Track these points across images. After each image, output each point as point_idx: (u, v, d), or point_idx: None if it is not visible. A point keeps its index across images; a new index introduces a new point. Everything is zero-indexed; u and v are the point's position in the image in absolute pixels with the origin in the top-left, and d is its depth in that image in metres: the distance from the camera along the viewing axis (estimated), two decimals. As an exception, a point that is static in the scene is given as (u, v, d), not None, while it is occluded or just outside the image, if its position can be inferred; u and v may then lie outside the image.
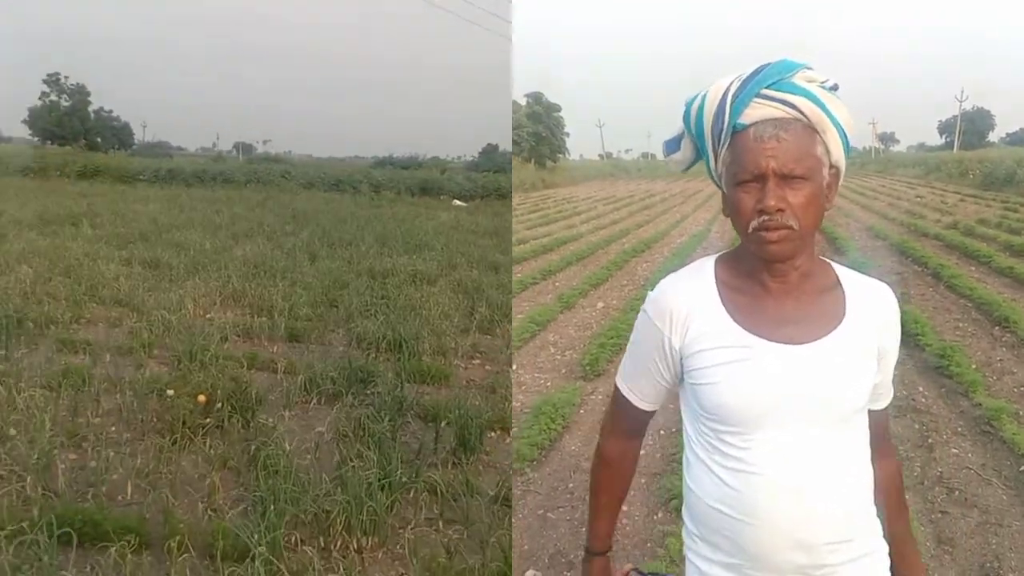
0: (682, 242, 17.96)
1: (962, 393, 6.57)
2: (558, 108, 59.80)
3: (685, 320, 1.72)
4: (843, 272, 1.77)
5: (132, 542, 3.69)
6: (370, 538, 3.85)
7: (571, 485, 5.20)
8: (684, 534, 1.85)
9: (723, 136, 1.64)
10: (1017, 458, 5.25)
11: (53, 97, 58.36)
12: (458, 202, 27.11)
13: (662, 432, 6.02)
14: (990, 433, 5.72)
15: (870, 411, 1.77)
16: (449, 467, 4.74)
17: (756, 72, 1.62)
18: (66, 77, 59.12)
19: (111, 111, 61.30)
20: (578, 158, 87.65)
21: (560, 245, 17.68)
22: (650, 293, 1.85)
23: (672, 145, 1.84)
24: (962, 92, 73.63)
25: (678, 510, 4.56)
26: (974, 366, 7.14)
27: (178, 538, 3.66)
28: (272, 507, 3.79)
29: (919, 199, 27.60)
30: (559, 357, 8.39)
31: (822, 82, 1.64)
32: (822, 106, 1.60)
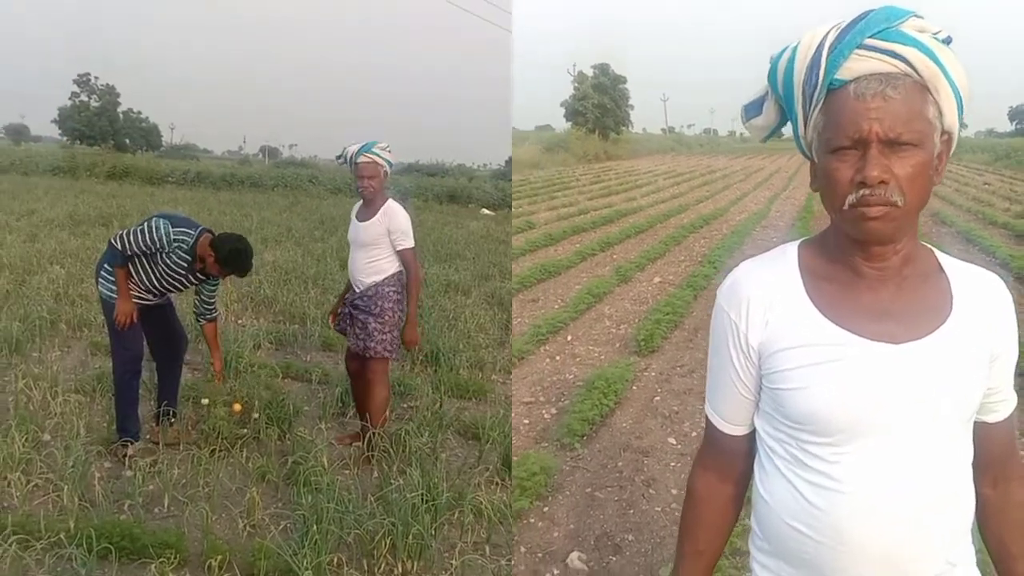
0: (741, 220, 17.87)
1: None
2: (624, 80, 60.26)
3: (764, 312, 1.50)
4: (946, 259, 1.53)
5: (171, 558, 3.59)
6: (415, 562, 3.72)
7: (620, 464, 5.10)
8: (752, 543, 1.64)
9: (816, 94, 1.41)
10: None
11: (83, 98, 59.03)
12: (486, 211, 26.98)
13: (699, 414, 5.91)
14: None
15: (988, 424, 1.55)
16: (494, 487, 4.60)
17: (858, 19, 1.38)
18: (96, 78, 59.87)
19: (140, 112, 61.88)
20: (641, 131, 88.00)
21: (620, 217, 17.71)
22: (723, 282, 1.62)
23: (753, 109, 1.61)
24: (1034, 78, 72.67)
25: None
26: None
27: (219, 557, 3.55)
28: (315, 527, 3.66)
29: (987, 186, 26.78)
30: (614, 331, 8.33)
31: (935, 33, 1.39)
32: (936, 60, 1.36)
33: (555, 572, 3.95)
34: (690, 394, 6.37)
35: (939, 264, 1.51)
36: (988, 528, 1.60)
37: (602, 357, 7.36)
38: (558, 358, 7.35)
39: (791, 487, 1.49)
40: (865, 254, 1.44)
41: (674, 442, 5.45)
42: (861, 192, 1.35)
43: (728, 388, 1.61)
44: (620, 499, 4.64)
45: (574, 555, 4.03)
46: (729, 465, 1.69)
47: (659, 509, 4.54)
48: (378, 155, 4.84)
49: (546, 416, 5.89)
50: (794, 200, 23.52)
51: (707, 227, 16.61)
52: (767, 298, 1.50)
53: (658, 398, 6.32)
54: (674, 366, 7.14)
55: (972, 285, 1.50)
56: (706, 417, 1.71)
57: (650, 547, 4.17)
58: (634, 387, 6.52)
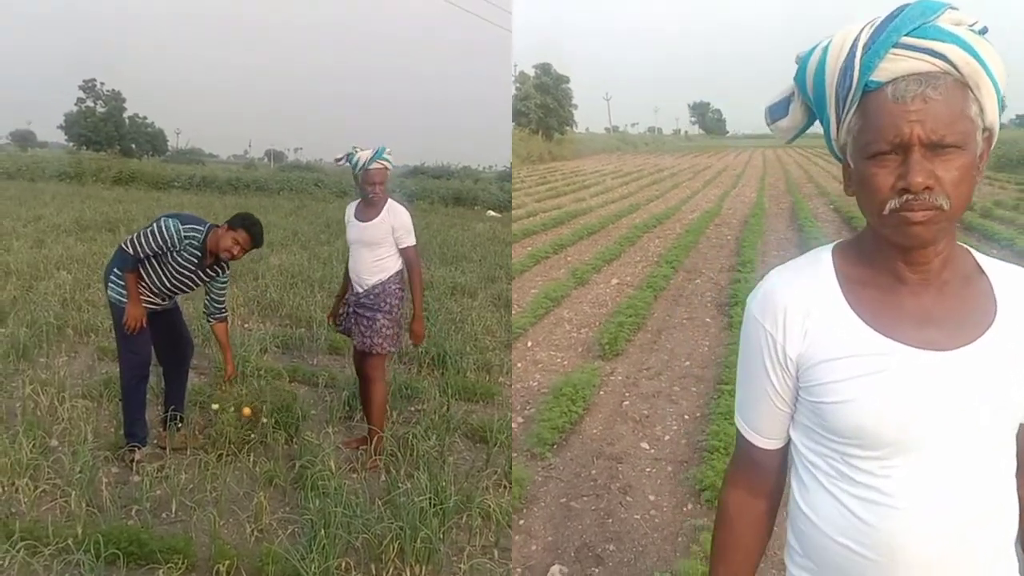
0: (694, 218, 17.94)
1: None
2: (566, 80, 60.21)
3: (803, 322, 1.43)
4: (984, 259, 1.48)
5: (179, 563, 3.58)
6: (424, 567, 3.70)
7: (594, 472, 5.06)
8: (789, 559, 1.58)
9: (851, 97, 1.34)
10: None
11: (89, 103, 59.16)
12: (492, 213, 26.93)
13: (686, 417, 5.91)
14: None
15: None
16: (502, 491, 4.58)
17: (893, 16, 1.32)
18: (102, 83, 59.97)
19: (145, 117, 61.98)
20: (584, 131, 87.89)
21: (570, 219, 17.68)
22: (753, 292, 1.55)
23: (779, 110, 1.54)
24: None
25: (711, 502, 4.41)
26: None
27: (227, 562, 3.54)
28: (323, 531, 3.64)
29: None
30: (575, 335, 8.28)
31: (971, 24, 1.33)
32: (976, 56, 1.29)
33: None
34: (659, 397, 6.35)
35: (978, 265, 1.46)
36: None
37: (565, 362, 7.30)
38: (520, 364, 7.28)
39: (837, 503, 1.44)
40: (906, 258, 1.39)
41: (647, 447, 5.40)
42: (905, 198, 1.29)
43: (763, 401, 1.54)
44: (597, 508, 4.60)
45: (555, 568, 3.99)
46: (762, 481, 1.63)
47: (638, 517, 4.49)
48: (388, 161, 4.91)
49: (513, 425, 5.81)
50: (745, 197, 23.60)
51: (660, 226, 16.61)
52: (804, 307, 1.44)
53: (627, 402, 6.27)
54: (640, 369, 7.10)
55: (1014, 286, 1.44)
56: (737, 432, 1.64)
57: (632, 556, 4.13)
58: (601, 392, 6.47)
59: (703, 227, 16.12)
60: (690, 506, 4.57)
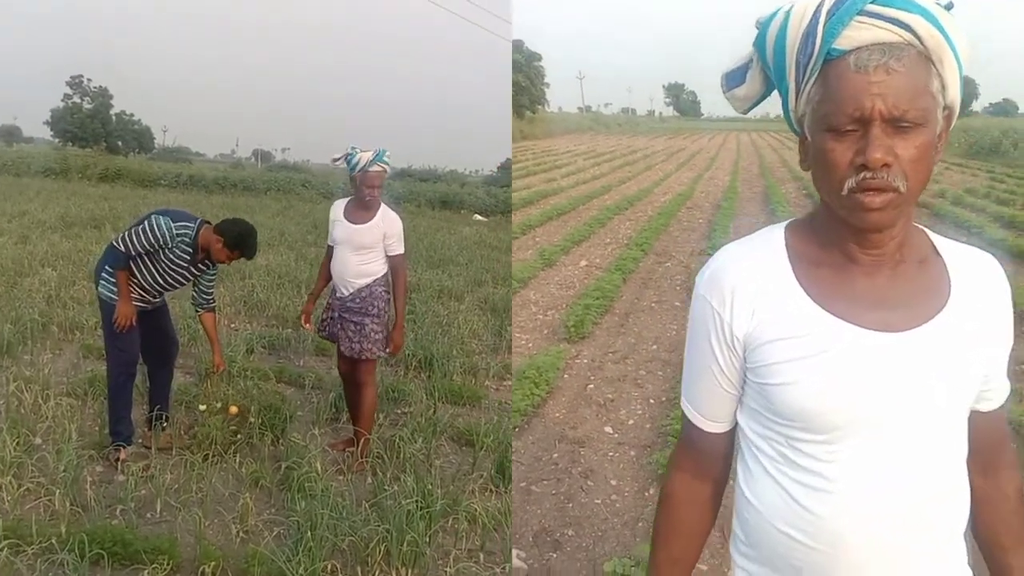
0: (666, 200, 17.93)
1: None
2: (539, 57, 59.89)
3: (751, 301, 1.39)
4: (940, 240, 1.45)
5: (164, 564, 3.57)
6: (410, 570, 3.70)
7: (555, 456, 5.06)
8: (734, 548, 1.56)
9: (811, 64, 1.29)
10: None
11: (76, 99, 58.75)
12: (479, 216, 26.92)
13: (651, 401, 5.91)
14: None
15: (981, 413, 1.47)
16: (488, 494, 4.58)
17: None
18: (89, 80, 59.56)
19: (132, 114, 61.60)
20: (557, 111, 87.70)
21: (540, 199, 17.56)
22: (703, 268, 1.50)
23: (735, 77, 1.47)
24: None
25: None
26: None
27: (213, 563, 3.53)
28: (310, 533, 3.63)
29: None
30: (541, 317, 8.23)
31: None
32: (941, 28, 1.26)
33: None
34: (624, 381, 6.31)
35: (934, 246, 1.44)
36: (979, 519, 1.52)
37: (530, 345, 7.25)
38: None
39: (780, 489, 1.41)
40: (860, 239, 1.35)
41: (611, 431, 5.38)
42: (862, 175, 1.26)
43: (709, 383, 1.50)
44: (557, 492, 4.59)
45: (513, 554, 3.98)
46: (708, 465, 1.59)
47: (599, 501, 4.49)
48: (387, 163, 4.90)
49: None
50: (718, 180, 23.64)
51: (632, 208, 16.54)
52: (753, 286, 1.40)
53: (591, 386, 6.25)
54: (606, 352, 7.07)
55: (969, 268, 1.43)
56: (683, 415, 1.60)
57: (591, 541, 4.13)
58: (566, 375, 6.43)
59: (675, 210, 16.08)
60: (652, 491, 4.56)
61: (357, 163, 4.85)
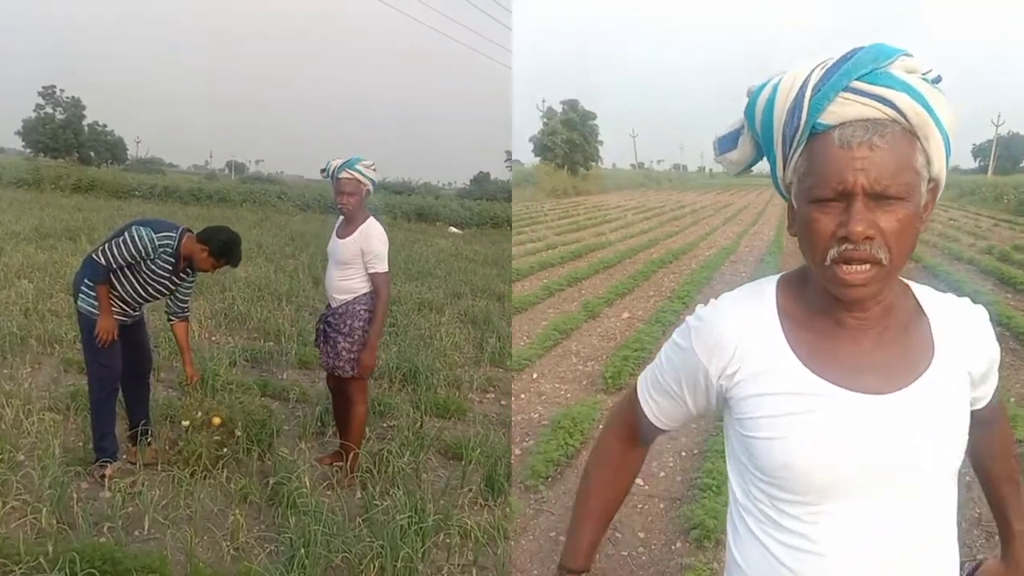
0: (710, 255, 17.91)
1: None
2: (593, 116, 60.42)
3: (734, 354, 1.42)
4: (923, 293, 1.46)
5: (155, 583, 3.52)
6: (404, 585, 3.68)
7: None
8: None
9: (798, 137, 1.31)
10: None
11: (48, 110, 58.22)
12: (454, 229, 27.00)
13: (683, 454, 5.86)
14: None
15: (977, 409, 1.50)
16: (479, 508, 4.57)
17: (845, 59, 1.29)
18: (62, 90, 59.06)
19: (105, 125, 61.13)
20: (610, 167, 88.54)
21: (588, 252, 17.63)
22: (697, 311, 1.53)
23: (727, 142, 1.51)
24: (998, 116, 73.94)
25: (699, 541, 4.38)
26: (1013, 399, 6.73)
27: (205, 581, 3.50)
28: (303, 550, 3.61)
29: (952, 222, 26.94)
30: (581, 368, 8.19)
31: (924, 73, 1.30)
32: (926, 105, 1.27)
33: None
34: None
35: (917, 303, 1.45)
36: (974, 458, 1.63)
37: (568, 395, 7.24)
38: (523, 396, 7.20)
39: (763, 550, 1.42)
40: (846, 306, 1.37)
41: (641, 482, 5.33)
42: (844, 246, 1.27)
43: (673, 400, 1.58)
44: None
45: None
46: (644, 436, 1.69)
47: (625, 554, 4.44)
48: (361, 172, 4.80)
49: (512, 458, 5.73)
50: (763, 235, 23.68)
51: (676, 262, 16.57)
52: (740, 340, 1.43)
53: None
54: None
55: (953, 323, 1.44)
56: (636, 393, 1.66)
57: None
58: (600, 426, 6.43)
59: (719, 263, 16.08)
60: (678, 544, 4.52)
61: (331, 171, 4.82)
